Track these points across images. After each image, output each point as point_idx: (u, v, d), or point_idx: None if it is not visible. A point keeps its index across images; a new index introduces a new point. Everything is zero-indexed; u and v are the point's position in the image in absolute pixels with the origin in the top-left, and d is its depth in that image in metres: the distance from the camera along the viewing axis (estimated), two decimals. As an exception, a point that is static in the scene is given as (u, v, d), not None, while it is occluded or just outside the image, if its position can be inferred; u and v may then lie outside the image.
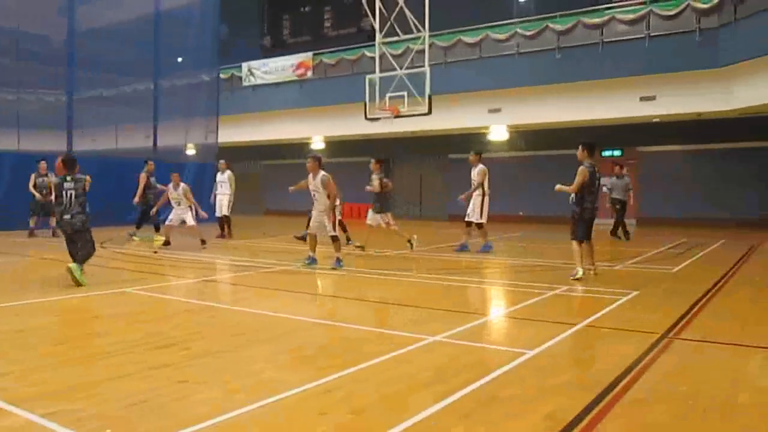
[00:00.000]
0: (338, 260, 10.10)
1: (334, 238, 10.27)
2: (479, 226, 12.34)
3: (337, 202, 10.92)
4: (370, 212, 12.85)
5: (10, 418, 3.44)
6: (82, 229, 8.44)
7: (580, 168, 8.79)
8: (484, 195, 12.22)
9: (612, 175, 15.87)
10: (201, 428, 3.28)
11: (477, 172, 12.24)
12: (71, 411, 3.52)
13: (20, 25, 19.45)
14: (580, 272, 8.61)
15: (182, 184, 13.53)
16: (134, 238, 14.82)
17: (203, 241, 13.11)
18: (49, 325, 5.91)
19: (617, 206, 15.68)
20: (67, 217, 8.32)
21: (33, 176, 15.64)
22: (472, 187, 12.27)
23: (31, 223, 15.71)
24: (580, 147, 9.03)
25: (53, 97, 20.52)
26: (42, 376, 4.23)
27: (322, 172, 10.07)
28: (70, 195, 8.33)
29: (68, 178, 8.39)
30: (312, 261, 10.37)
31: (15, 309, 6.81)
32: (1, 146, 18.14)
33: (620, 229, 15.52)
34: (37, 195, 15.43)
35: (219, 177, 15.83)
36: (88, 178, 8.49)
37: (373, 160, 13.13)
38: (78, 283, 7.95)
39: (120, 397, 3.77)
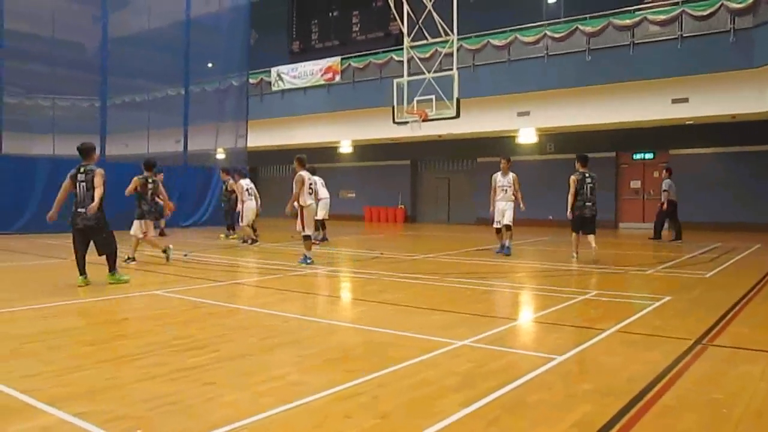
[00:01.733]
0: (305, 257, 10.88)
1: (305, 238, 10.89)
2: (508, 228, 12.62)
3: (308, 202, 10.96)
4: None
5: (43, 417, 3.50)
6: (95, 227, 8.21)
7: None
8: (516, 200, 12.70)
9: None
10: (228, 430, 3.30)
11: (513, 179, 12.61)
12: (102, 411, 3.57)
13: (55, 33, 19.93)
14: (575, 257, 11.43)
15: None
16: (229, 238, 16.48)
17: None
18: (80, 326, 6.02)
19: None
20: (80, 210, 8.13)
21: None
22: (508, 192, 12.60)
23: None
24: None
25: (87, 103, 20.96)
26: (73, 376, 4.30)
27: (300, 172, 10.77)
28: (82, 187, 8.18)
29: (81, 170, 8.26)
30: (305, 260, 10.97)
31: (47, 311, 6.95)
32: (37, 151, 18.60)
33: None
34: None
35: (247, 183, 16.01)
36: (99, 171, 8.23)
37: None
38: (123, 281, 8.19)
39: (149, 398, 3.81)
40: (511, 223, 12.60)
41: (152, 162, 11.37)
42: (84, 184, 8.21)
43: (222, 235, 16.94)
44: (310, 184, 11.10)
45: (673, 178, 16.22)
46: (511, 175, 12.61)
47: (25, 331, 5.80)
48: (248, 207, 15.47)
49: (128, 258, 10.78)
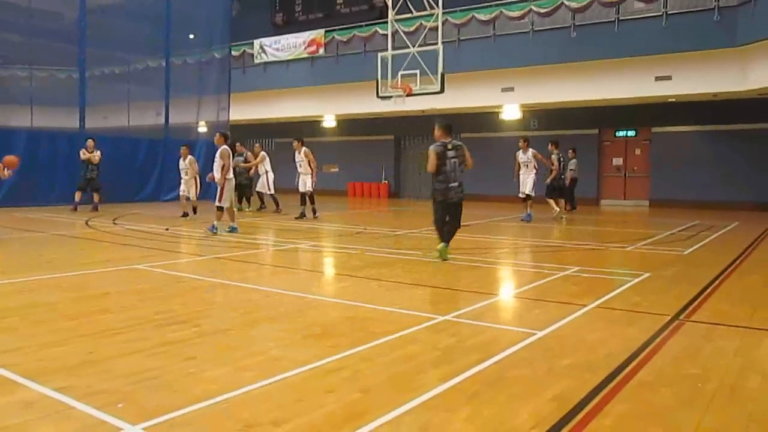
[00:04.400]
0: (213, 226, 11.35)
1: (218, 209, 11.32)
2: (528, 197, 14.52)
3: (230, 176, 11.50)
4: None
5: (23, 391, 3.49)
6: None
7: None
8: (537, 171, 14.68)
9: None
10: (210, 404, 3.31)
11: (531, 154, 14.48)
12: (83, 386, 3.57)
13: (32, 2, 19.45)
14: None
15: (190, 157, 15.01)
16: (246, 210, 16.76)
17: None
18: (60, 300, 5.97)
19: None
20: None
21: (82, 152, 16.32)
22: (529, 167, 14.53)
23: (76, 198, 16.10)
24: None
25: (65, 74, 20.55)
26: (54, 351, 4.28)
27: (224, 146, 11.28)
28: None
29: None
30: (232, 229, 11.51)
31: (27, 284, 6.89)
32: (15, 123, 18.24)
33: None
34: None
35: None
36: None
37: None
38: None
39: (130, 372, 3.81)
40: (532, 194, 14.52)
41: None
42: None
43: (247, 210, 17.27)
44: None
45: (652, 154, 16.40)
46: (530, 151, 14.46)
47: (4, 305, 5.75)
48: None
49: None
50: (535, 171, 14.53)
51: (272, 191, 17.01)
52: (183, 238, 11.23)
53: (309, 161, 14.68)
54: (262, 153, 16.86)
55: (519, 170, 14.70)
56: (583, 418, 3.24)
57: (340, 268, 8.55)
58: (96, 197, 16.38)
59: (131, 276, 7.36)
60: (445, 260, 8.48)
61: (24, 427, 3.06)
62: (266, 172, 16.80)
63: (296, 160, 14.90)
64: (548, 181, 15.23)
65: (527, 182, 14.52)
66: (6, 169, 10.11)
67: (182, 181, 15.12)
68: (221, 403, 3.35)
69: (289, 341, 4.61)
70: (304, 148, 14.79)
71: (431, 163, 8.51)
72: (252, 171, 16.89)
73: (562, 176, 15.79)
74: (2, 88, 18.85)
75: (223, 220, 11.49)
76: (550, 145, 15.56)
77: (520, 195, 14.74)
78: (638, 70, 18.26)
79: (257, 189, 17.31)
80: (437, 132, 8.79)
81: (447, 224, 8.74)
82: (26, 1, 19.23)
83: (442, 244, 8.67)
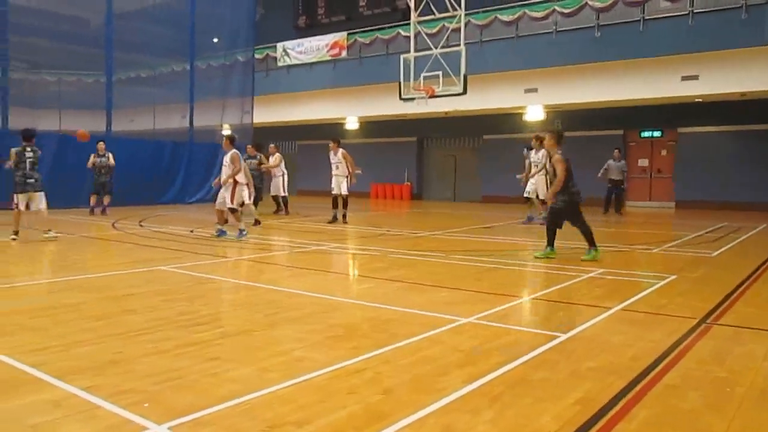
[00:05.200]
0: (221, 231, 11.25)
1: (232, 210, 11.19)
2: (543, 202, 13.54)
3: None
4: None
5: (52, 390, 3.55)
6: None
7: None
8: (546, 174, 13.48)
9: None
10: (232, 405, 3.33)
11: (542, 154, 13.52)
12: (109, 385, 3.61)
13: (60, 8, 19.82)
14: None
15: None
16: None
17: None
18: (87, 301, 6.06)
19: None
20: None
21: (92, 156, 16.09)
22: (539, 167, 13.84)
23: (91, 202, 16.14)
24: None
25: (93, 79, 20.89)
26: (81, 350, 4.35)
27: (233, 150, 11.23)
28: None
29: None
30: (221, 233, 11.30)
31: (56, 285, 7.01)
32: (43, 127, 18.57)
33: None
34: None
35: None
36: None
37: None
38: None
39: (155, 372, 3.85)
40: (531, 196, 14.12)
41: (32, 132, 11.07)
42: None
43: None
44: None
45: (679, 155, 16.17)
46: (542, 151, 13.54)
47: (34, 305, 5.86)
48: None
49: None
50: (544, 173, 13.77)
51: (285, 193, 16.78)
52: (207, 240, 11.33)
53: (348, 163, 14.26)
54: (277, 154, 16.54)
55: (529, 171, 14.24)
56: (607, 422, 3.20)
57: (362, 270, 8.57)
58: (106, 200, 16.31)
59: (156, 277, 7.44)
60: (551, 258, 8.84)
61: (52, 425, 3.10)
62: (283, 174, 16.56)
63: (332, 161, 14.41)
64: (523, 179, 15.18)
65: (540, 185, 13.90)
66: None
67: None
68: (244, 403, 3.37)
69: (311, 342, 4.63)
70: (341, 149, 14.37)
71: (563, 172, 8.53)
72: (267, 173, 16.52)
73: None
74: (31, 93, 19.20)
75: (232, 223, 11.44)
76: (525, 150, 15.48)
77: (525, 195, 14.42)
78: (664, 69, 18.03)
79: (272, 192, 17.02)
80: (552, 140, 8.85)
81: (581, 226, 8.84)
82: (54, 8, 19.61)
83: (549, 248, 9.02)
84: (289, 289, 6.74)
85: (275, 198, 17.07)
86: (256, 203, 16.45)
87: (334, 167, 14.42)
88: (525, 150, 15.35)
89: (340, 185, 14.36)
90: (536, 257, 9.00)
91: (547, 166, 13.11)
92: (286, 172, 16.76)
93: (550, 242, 9.02)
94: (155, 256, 9.25)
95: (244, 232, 11.07)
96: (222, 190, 11.27)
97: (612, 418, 3.23)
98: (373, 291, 6.86)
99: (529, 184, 14.20)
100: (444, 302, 6.15)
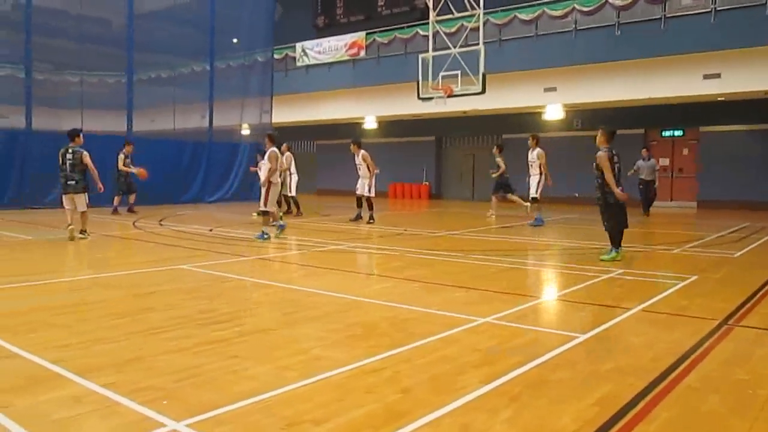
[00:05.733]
0: (263, 233, 10.98)
1: (263, 213, 11.18)
2: (534, 201, 13.72)
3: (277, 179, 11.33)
4: None
5: (73, 386, 3.60)
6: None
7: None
8: (541, 174, 13.71)
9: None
10: (251, 403, 3.36)
11: (537, 154, 13.71)
12: (129, 382, 3.66)
13: (83, 9, 20.05)
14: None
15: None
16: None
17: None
18: (109, 299, 6.14)
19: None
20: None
21: (122, 156, 16.27)
22: (533, 167, 13.80)
23: (116, 202, 16.36)
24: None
25: (114, 79, 21.11)
26: (102, 347, 4.40)
27: (272, 148, 11.07)
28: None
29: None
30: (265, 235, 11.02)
31: (78, 283, 7.11)
32: (66, 127, 18.75)
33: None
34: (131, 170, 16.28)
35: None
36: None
37: None
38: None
39: (174, 370, 3.89)
40: (535, 195, 13.74)
41: (75, 132, 10.97)
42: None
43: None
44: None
45: (701, 154, 15.97)
46: (536, 150, 13.71)
47: (57, 303, 5.94)
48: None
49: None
50: (539, 173, 13.71)
51: (293, 193, 16.42)
52: (227, 239, 11.41)
53: (368, 164, 14.26)
54: (288, 153, 16.01)
55: (502, 170, 14.78)
56: (626, 423, 3.17)
57: (380, 269, 8.57)
58: (132, 198, 16.54)
59: (176, 276, 7.51)
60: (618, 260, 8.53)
61: (73, 420, 3.15)
62: (291, 174, 16.11)
63: (356, 162, 14.50)
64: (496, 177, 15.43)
65: (532, 184, 13.79)
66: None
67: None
68: (263, 401, 3.39)
69: (330, 341, 4.64)
70: (362, 151, 14.37)
71: (608, 167, 8.48)
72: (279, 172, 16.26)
73: (505, 175, 15.66)
74: (54, 94, 19.44)
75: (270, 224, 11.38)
76: (495, 148, 15.74)
77: (533, 195, 13.90)
78: (686, 68, 17.80)
79: (282, 192, 16.73)
80: (602, 137, 8.79)
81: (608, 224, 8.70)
82: (76, 9, 19.83)
83: (614, 251, 8.67)
84: (307, 288, 6.77)
85: (285, 198, 16.66)
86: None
87: (358, 168, 14.49)
88: (495, 148, 15.71)
89: (364, 186, 14.38)
90: (602, 260, 8.66)
91: (540, 164, 13.55)
92: (295, 172, 16.42)
93: (617, 243, 8.74)
94: (176, 254, 9.33)
95: (266, 236, 10.92)
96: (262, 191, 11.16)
97: (631, 420, 3.21)
98: (391, 290, 6.86)
99: (532, 185, 13.86)
100: (462, 302, 6.13)
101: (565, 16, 19.60)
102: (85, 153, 10.57)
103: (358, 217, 14.64)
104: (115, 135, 19.05)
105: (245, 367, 3.99)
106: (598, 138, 8.90)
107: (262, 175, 11.09)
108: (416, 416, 3.19)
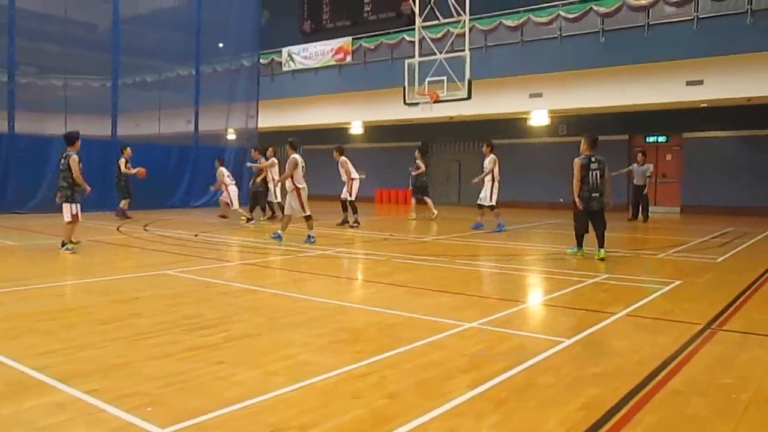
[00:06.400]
0: (310, 236, 11.19)
1: (306, 218, 11.22)
2: (492, 208, 13.79)
3: (302, 184, 11.24)
4: None
5: (56, 393, 3.56)
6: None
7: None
8: (494, 181, 13.68)
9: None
10: (237, 408, 3.34)
11: (489, 161, 13.73)
12: (114, 389, 3.62)
13: (67, 12, 19.90)
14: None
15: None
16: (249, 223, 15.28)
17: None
18: (94, 305, 6.08)
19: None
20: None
21: (123, 160, 16.26)
22: (483, 173, 13.87)
23: (124, 205, 16.38)
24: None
25: (99, 83, 20.96)
26: (87, 354, 4.36)
27: (294, 155, 11.13)
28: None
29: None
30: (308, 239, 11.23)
31: (62, 288, 7.04)
32: (50, 131, 18.62)
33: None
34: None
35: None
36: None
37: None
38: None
39: (160, 376, 3.86)
40: (483, 203, 13.86)
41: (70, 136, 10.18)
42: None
43: (262, 220, 16.22)
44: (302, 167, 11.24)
45: (684, 160, 16.14)
46: (489, 157, 13.80)
47: (41, 308, 5.88)
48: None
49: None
50: (491, 180, 13.65)
51: (279, 199, 15.82)
52: (212, 244, 11.35)
53: (345, 170, 14.60)
54: (272, 159, 15.93)
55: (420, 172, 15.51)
56: (612, 426, 3.19)
57: (367, 274, 8.57)
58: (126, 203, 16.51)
59: (161, 281, 7.46)
60: (603, 260, 9.08)
61: (56, 428, 3.11)
62: (273, 179, 15.75)
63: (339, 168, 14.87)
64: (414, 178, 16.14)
65: (487, 191, 13.74)
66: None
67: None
68: (249, 407, 3.38)
69: (316, 346, 4.63)
70: (341, 157, 14.66)
71: (576, 175, 9.16)
72: (260, 178, 15.89)
73: (423, 177, 16.67)
74: (38, 97, 19.28)
75: (281, 226, 11.39)
76: (417, 151, 16.86)
77: (488, 204, 13.84)
78: (669, 74, 18.01)
79: (267, 198, 16.40)
80: (584, 145, 9.46)
81: (595, 230, 9.28)
82: (62, 12, 19.69)
83: (575, 248, 9.61)
84: (293, 294, 6.75)
85: (270, 204, 16.52)
86: (252, 207, 16.18)
87: (341, 174, 14.86)
88: (416, 151, 16.77)
89: (344, 191, 14.81)
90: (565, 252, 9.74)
91: (492, 170, 13.58)
92: (277, 177, 16.12)
93: (579, 244, 9.62)
94: (161, 260, 9.27)
95: (280, 238, 11.10)
96: (288, 197, 11.26)
97: (617, 423, 3.23)
98: (378, 295, 6.86)
99: (485, 192, 13.81)
100: (448, 307, 6.14)
101: (551, 22, 19.76)
102: (74, 157, 9.69)
103: (344, 222, 14.74)
104: (99, 139, 18.91)
105: (231, 372, 3.97)
106: (581, 145, 9.27)
107: (287, 182, 11.08)
108: (403, 421, 3.19)
